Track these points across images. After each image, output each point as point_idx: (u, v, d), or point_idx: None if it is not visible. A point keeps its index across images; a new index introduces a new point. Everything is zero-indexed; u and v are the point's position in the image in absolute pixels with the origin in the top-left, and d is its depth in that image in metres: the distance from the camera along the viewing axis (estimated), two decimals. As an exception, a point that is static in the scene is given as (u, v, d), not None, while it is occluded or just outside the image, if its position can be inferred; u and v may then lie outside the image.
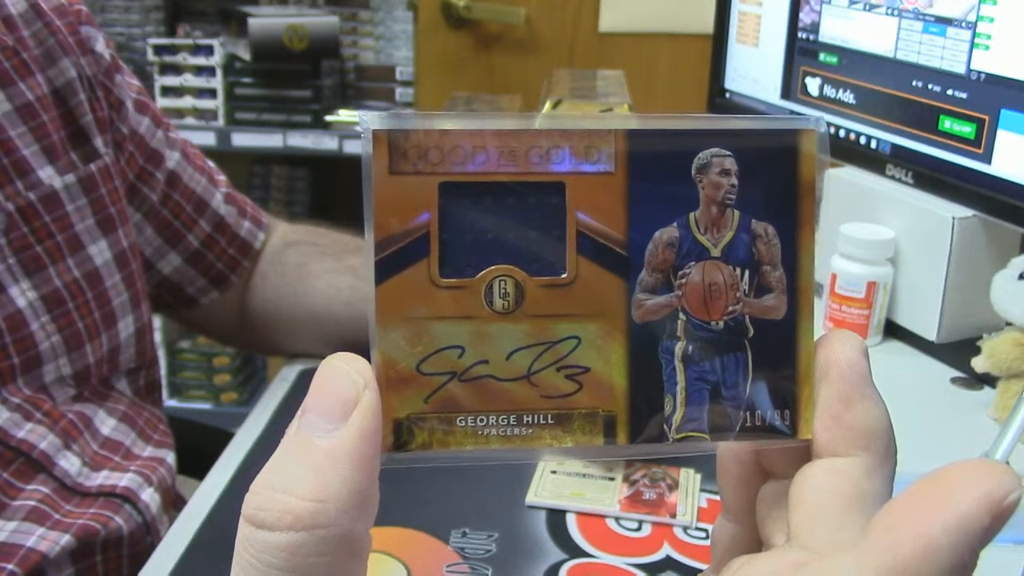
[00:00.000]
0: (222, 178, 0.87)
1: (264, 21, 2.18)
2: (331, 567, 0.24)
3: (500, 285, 0.27)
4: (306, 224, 0.93)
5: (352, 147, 2.23)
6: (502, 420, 0.27)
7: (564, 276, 0.27)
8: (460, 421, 0.27)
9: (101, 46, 0.76)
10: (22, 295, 0.66)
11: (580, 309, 0.27)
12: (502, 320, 0.27)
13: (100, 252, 0.72)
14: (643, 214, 0.27)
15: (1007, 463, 0.70)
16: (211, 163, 0.88)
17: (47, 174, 0.69)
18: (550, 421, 0.27)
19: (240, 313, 0.88)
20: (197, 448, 0.83)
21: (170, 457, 0.78)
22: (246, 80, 2.28)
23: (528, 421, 0.27)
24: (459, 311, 0.27)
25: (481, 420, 0.27)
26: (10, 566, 0.62)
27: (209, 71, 2.26)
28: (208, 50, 2.27)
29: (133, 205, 0.78)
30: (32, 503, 0.65)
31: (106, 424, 0.73)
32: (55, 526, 0.65)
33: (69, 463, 0.68)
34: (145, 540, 0.71)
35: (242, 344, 0.96)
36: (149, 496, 0.72)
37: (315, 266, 0.87)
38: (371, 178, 0.26)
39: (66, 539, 0.65)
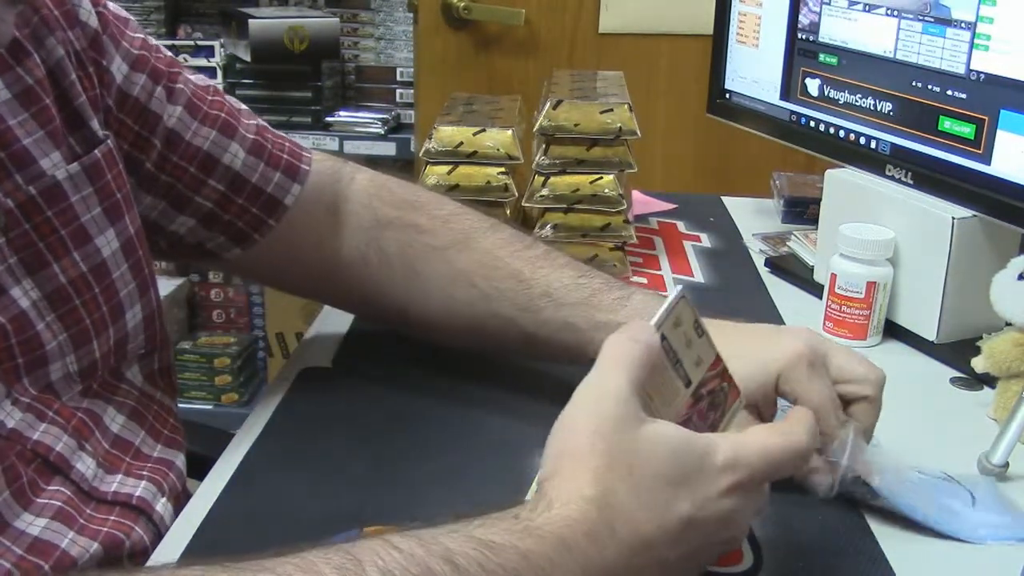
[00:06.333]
0: (250, 122, 0.80)
1: (264, 22, 2.18)
2: None
3: None
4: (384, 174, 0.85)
5: (352, 147, 2.23)
6: None
7: None
8: None
9: (86, 13, 0.70)
10: (24, 295, 0.63)
11: None
12: None
13: (108, 243, 0.69)
14: None
15: (1006, 463, 0.70)
16: (236, 104, 0.80)
17: (51, 162, 0.65)
18: None
19: (302, 264, 0.83)
20: (198, 448, 0.83)
21: (180, 459, 0.76)
22: (246, 81, 2.28)
23: None
24: None
25: None
26: (46, 565, 0.61)
27: (210, 72, 2.26)
28: (209, 51, 2.27)
29: (129, 173, 0.73)
30: (57, 504, 0.64)
31: (115, 422, 0.72)
32: (82, 531, 0.64)
33: (85, 465, 0.67)
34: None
35: (304, 293, 0.91)
36: (162, 506, 0.71)
37: (424, 267, 0.80)
38: None
39: (95, 547, 0.64)
